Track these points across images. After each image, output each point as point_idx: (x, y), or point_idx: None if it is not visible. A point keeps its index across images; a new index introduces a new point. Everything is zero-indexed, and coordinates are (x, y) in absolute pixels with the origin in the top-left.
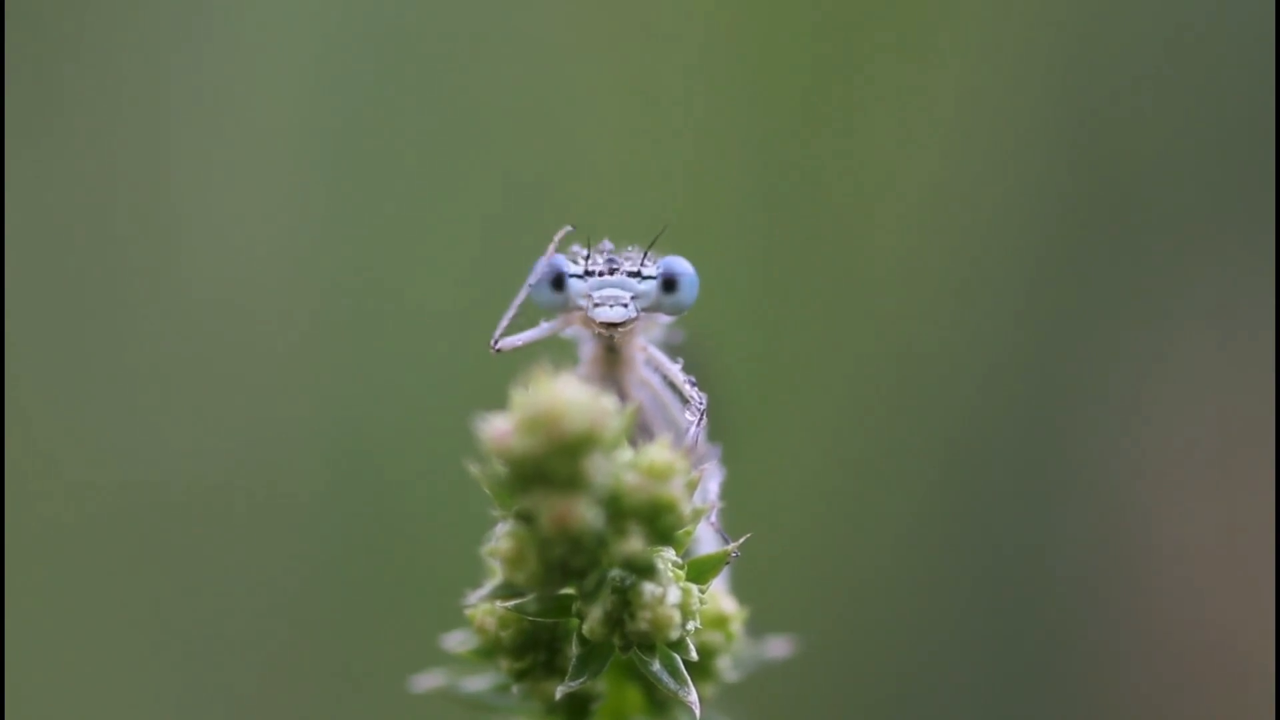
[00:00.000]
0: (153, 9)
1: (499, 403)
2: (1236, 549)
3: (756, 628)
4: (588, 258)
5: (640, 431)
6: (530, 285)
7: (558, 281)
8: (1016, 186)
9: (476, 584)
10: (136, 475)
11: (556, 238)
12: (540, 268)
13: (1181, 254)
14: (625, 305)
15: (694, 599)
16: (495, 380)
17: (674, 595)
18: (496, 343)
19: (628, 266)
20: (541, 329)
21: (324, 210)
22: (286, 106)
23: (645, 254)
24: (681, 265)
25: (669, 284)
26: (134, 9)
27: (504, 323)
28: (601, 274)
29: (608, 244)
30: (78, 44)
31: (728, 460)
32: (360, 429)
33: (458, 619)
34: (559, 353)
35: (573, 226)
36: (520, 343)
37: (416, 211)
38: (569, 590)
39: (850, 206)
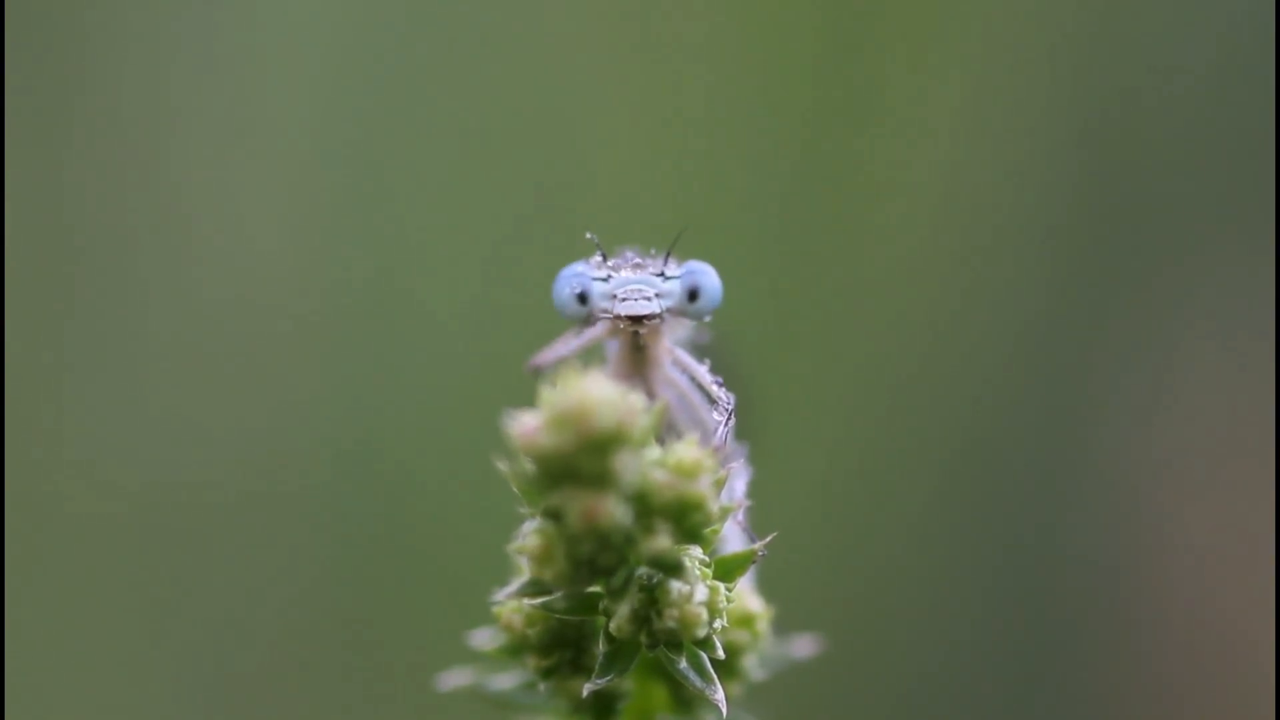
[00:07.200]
0: (165, 7)
1: (514, 401)
2: (1244, 543)
3: (781, 626)
4: (609, 263)
5: (667, 430)
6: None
7: (581, 295)
8: (1024, 187)
9: (497, 581)
10: (149, 474)
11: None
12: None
13: (1187, 254)
14: (650, 299)
15: (721, 597)
16: (504, 379)
17: (701, 593)
18: (533, 363)
19: (651, 269)
20: (571, 345)
21: (336, 210)
22: (299, 107)
23: (666, 256)
24: (705, 270)
25: (693, 292)
26: (145, 6)
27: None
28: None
29: (629, 253)
30: (88, 38)
31: (754, 459)
32: (374, 428)
33: (475, 617)
34: (586, 352)
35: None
36: (553, 358)
37: (428, 211)
38: (596, 588)
39: (860, 206)
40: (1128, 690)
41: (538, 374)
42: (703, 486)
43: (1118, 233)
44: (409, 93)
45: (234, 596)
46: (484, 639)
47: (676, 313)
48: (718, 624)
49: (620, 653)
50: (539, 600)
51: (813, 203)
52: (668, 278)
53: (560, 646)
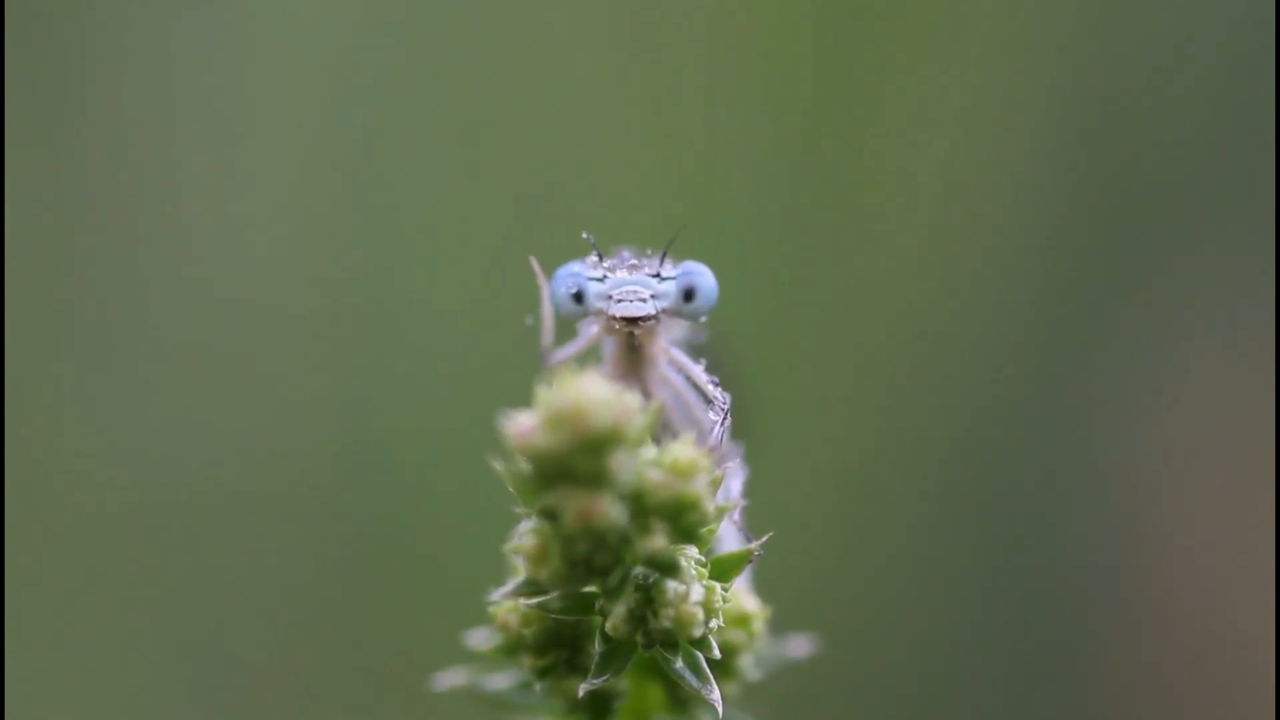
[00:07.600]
0: (165, 6)
1: (514, 400)
2: (1244, 543)
3: (777, 625)
4: (605, 263)
5: (663, 430)
6: (551, 303)
7: (577, 294)
8: (1024, 186)
9: (493, 581)
10: (149, 474)
11: (538, 271)
12: (555, 288)
13: (1187, 253)
14: (645, 300)
15: (717, 597)
16: (505, 379)
17: (697, 593)
18: (549, 356)
19: (647, 269)
20: (583, 339)
21: (336, 210)
22: (299, 106)
23: (663, 256)
24: (701, 271)
25: (688, 292)
26: (146, 6)
27: (547, 334)
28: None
29: (626, 253)
30: (88, 38)
31: (750, 458)
32: (374, 428)
33: (471, 616)
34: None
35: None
36: (571, 353)
37: (428, 210)
38: (592, 588)
39: (861, 203)
40: (1128, 690)
41: (547, 364)
42: (698, 486)
43: (1118, 232)
44: (409, 92)
45: (232, 596)
46: (480, 639)
47: (672, 313)
48: (713, 624)
49: (616, 652)
50: (535, 600)
51: (812, 202)
52: (663, 278)
53: (556, 646)
